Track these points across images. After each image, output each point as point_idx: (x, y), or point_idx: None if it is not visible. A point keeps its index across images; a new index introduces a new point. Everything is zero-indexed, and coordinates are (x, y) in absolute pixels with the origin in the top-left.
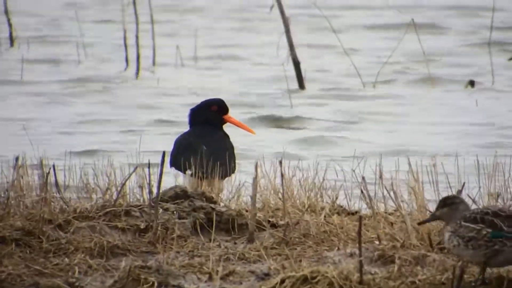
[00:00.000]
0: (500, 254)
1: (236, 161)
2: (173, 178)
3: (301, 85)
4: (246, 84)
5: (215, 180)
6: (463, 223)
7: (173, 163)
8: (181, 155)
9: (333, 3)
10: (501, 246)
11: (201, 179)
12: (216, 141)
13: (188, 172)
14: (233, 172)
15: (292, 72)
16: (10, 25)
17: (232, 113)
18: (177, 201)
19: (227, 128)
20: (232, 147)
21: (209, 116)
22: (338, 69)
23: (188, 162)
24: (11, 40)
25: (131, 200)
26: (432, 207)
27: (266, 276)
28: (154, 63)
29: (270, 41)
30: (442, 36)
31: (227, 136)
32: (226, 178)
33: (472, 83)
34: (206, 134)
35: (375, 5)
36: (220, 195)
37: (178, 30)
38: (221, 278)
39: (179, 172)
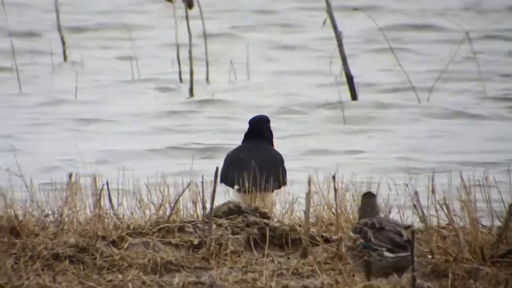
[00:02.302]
0: (373, 264)
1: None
2: (226, 194)
3: (354, 98)
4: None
5: (265, 193)
6: (349, 232)
7: (223, 179)
8: (230, 170)
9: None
10: (368, 256)
11: (248, 193)
12: (266, 154)
13: (236, 187)
14: (284, 184)
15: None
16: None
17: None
18: (231, 216)
19: None
20: (282, 160)
21: (266, 132)
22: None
23: (236, 177)
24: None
25: (184, 216)
26: (484, 221)
27: None
28: (207, 80)
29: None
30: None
31: (275, 150)
32: (276, 191)
33: None
34: (256, 148)
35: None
36: (272, 209)
37: (230, 45)
38: None
39: (229, 188)
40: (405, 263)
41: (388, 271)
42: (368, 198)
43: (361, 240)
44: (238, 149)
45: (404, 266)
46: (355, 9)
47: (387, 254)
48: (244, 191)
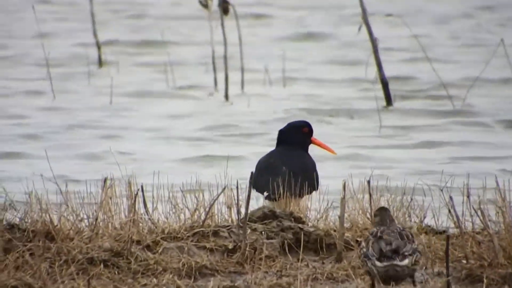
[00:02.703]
0: (371, 273)
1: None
2: (259, 199)
3: (389, 103)
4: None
5: (296, 199)
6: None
7: (254, 185)
8: (260, 176)
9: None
10: (366, 265)
11: (277, 200)
12: (297, 160)
13: (265, 193)
14: (316, 190)
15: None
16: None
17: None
18: (265, 221)
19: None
20: (314, 165)
21: (300, 138)
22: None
23: (266, 183)
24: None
25: (219, 220)
26: None
27: None
28: (242, 86)
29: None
30: None
31: (308, 155)
32: (306, 197)
33: None
34: (287, 154)
35: None
36: (306, 214)
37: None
38: None
39: (259, 194)
40: (397, 271)
41: (385, 279)
42: (381, 212)
43: (364, 250)
44: (269, 154)
45: (398, 275)
46: (388, 15)
47: (377, 263)
48: (273, 199)
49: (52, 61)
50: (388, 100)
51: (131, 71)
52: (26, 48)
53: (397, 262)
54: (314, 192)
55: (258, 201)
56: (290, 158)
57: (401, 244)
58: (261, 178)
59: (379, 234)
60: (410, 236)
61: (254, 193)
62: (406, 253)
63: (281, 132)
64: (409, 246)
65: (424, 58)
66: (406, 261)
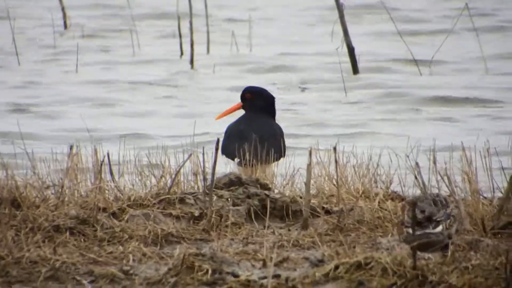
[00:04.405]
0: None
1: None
2: (226, 165)
3: (355, 71)
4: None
5: (265, 165)
6: None
7: (223, 151)
8: (230, 142)
9: None
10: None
11: (249, 166)
12: (266, 126)
13: (236, 160)
14: (283, 156)
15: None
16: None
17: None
18: (232, 188)
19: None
20: (282, 132)
21: (268, 105)
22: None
23: (237, 149)
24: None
25: (185, 187)
26: (485, 193)
27: (320, 262)
28: (208, 51)
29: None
30: None
31: (275, 122)
32: (275, 163)
33: None
34: (256, 120)
35: None
36: (273, 180)
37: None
38: (275, 265)
39: (230, 160)
40: (431, 238)
41: (421, 247)
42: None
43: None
44: (238, 121)
45: (432, 242)
46: None
47: (410, 231)
48: (245, 164)
49: None
50: (355, 66)
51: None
52: None
53: (430, 230)
54: (281, 159)
55: (227, 167)
56: (259, 124)
57: (434, 210)
58: (232, 144)
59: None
60: (444, 201)
61: (223, 159)
62: (439, 219)
63: (249, 98)
64: (442, 212)
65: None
66: (439, 228)
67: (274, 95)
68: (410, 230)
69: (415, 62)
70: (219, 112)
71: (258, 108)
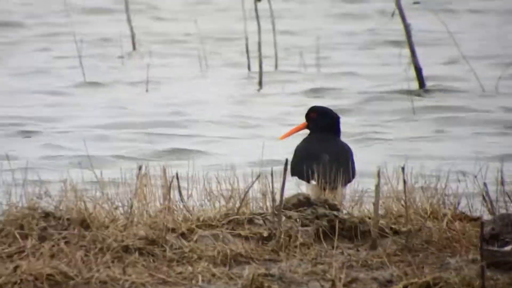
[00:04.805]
0: None
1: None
2: (295, 186)
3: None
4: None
5: (339, 188)
6: None
7: (295, 172)
8: (302, 163)
9: None
10: None
11: (324, 188)
12: (336, 147)
13: (312, 182)
14: (353, 177)
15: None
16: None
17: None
18: (300, 208)
19: None
20: (352, 153)
21: (334, 124)
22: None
23: (311, 170)
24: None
25: (254, 208)
26: None
27: (389, 283)
28: (276, 67)
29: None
30: None
31: (345, 143)
32: (348, 185)
33: None
34: (326, 141)
35: None
36: (342, 201)
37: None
38: (344, 285)
39: (300, 181)
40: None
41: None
42: None
43: None
44: (306, 141)
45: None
46: (415, 2)
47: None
48: (322, 186)
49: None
50: (422, 85)
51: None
52: None
53: (496, 248)
54: (352, 181)
55: (297, 186)
56: (329, 144)
57: (503, 230)
58: (302, 165)
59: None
60: None
61: (295, 179)
62: (508, 240)
63: (315, 118)
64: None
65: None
66: (508, 247)
67: (339, 114)
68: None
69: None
70: (284, 131)
71: (323, 127)
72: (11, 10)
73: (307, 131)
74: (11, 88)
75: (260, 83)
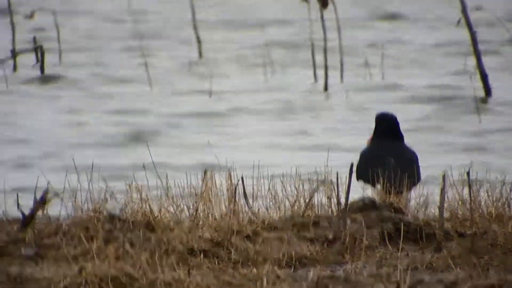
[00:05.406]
0: None
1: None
2: (359, 190)
3: (488, 95)
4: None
5: (404, 192)
6: None
7: (361, 176)
8: (368, 168)
9: None
10: None
11: (389, 192)
12: (401, 152)
13: (378, 186)
14: (419, 182)
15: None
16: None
17: None
18: (365, 212)
19: None
20: (417, 158)
21: (397, 128)
22: None
23: (376, 175)
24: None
25: (319, 211)
26: None
27: (454, 285)
28: (341, 79)
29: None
30: None
31: (406, 145)
32: (413, 188)
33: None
34: (390, 146)
35: None
36: (407, 205)
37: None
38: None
39: (365, 185)
40: None
41: None
42: None
43: None
44: (372, 146)
45: None
46: (478, 9)
47: None
48: (387, 191)
49: None
50: (487, 92)
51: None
52: None
53: None
54: (417, 185)
55: (362, 190)
56: (395, 150)
57: None
58: (367, 170)
59: None
60: None
61: (361, 183)
62: None
63: (382, 121)
64: None
65: None
66: None
67: (395, 114)
68: None
69: None
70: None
71: (384, 132)
72: None
73: None
74: None
75: (326, 88)
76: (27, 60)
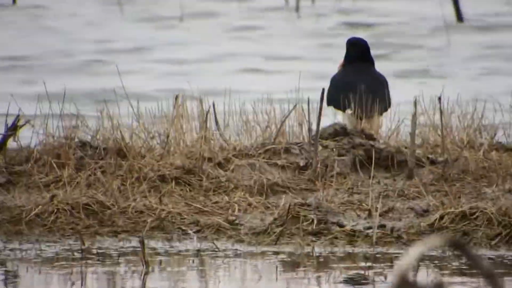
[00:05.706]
0: None
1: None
2: (330, 116)
3: (460, 19)
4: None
5: (375, 117)
6: None
7: (331, 102)
8: (338, 93)
9: None
10: None
11: (360, 118)
12: (372, 77)
13: (348, 111)
14: (389, 107)
15: None
16: None
17: None
18: (337, 138)
19: None
20: (387, 83)
21: (367, 53)
22: None
23: (347, 100)
24: None
25: (290, 138)
26: None
27: (425, 212)
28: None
29: None
30: None
31: (377, 71)
32: (384, 114)
33: None
34: (361, 71)
35: None
36: (379, 131)
37: None
38: (380, 215)
39: (336, 111)
40: None
41: None
42: None
43: None
44: (343, 71)
45: None
46: None
47: None
48: (358, 116)
49: None
50: (459, 15)
51: None
52: None
53: None
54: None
55: (333, 116)
56: (365, 75)
57: None
58: (338, 95)
59: None
60: None
61: (332, 109)
62: None
63: (353, 46)
64: None
65: None
66: None
67: (366, 40)
68: None
69: None
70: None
71: (355, 57)
72: None
73: None
74: None
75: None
76: None
